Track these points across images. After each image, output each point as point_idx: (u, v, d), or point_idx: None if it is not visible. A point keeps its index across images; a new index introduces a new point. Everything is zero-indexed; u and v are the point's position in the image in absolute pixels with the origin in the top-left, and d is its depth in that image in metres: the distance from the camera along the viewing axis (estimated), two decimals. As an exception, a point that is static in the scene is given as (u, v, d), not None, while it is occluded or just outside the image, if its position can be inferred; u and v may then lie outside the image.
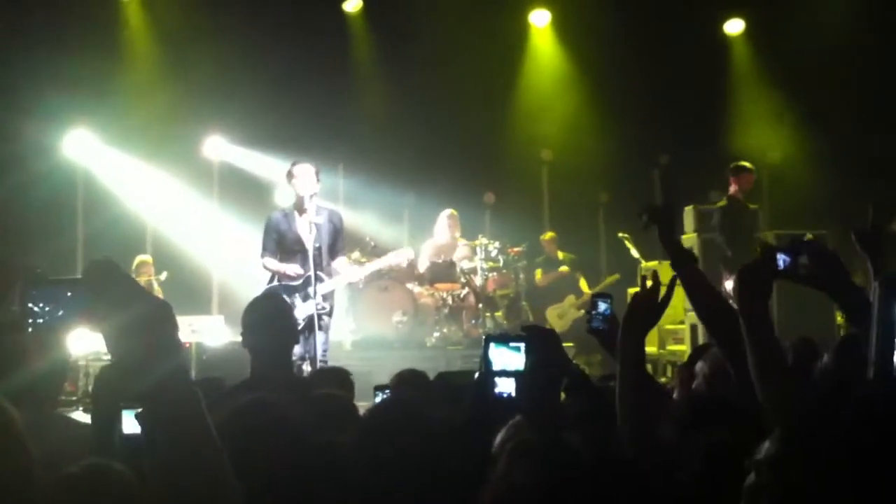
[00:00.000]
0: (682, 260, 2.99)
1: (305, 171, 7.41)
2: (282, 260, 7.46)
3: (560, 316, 11.39)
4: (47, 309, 1.63)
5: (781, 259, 2.49)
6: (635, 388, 2.58)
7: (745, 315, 2.41)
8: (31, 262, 8.63)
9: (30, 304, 1.63)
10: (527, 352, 2.49)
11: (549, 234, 11.99)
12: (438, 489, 1.91)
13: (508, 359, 2.53)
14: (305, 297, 7.28)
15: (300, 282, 7.34)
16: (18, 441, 1.96)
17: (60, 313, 1.62)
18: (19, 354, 2.99)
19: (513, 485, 1.60)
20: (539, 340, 2.50)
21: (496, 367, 2.54)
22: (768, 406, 2.29)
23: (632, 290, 11.16)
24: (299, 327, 7.05)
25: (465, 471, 2.00)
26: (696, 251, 9.97)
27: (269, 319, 4.22)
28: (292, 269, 7.34)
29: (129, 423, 2.60)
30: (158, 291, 10.74)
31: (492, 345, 2.57)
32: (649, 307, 2.75)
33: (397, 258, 8.28)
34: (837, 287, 2.64)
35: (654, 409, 2.60)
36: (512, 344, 2.55)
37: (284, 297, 7.13)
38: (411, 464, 1.99)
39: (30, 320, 1.64)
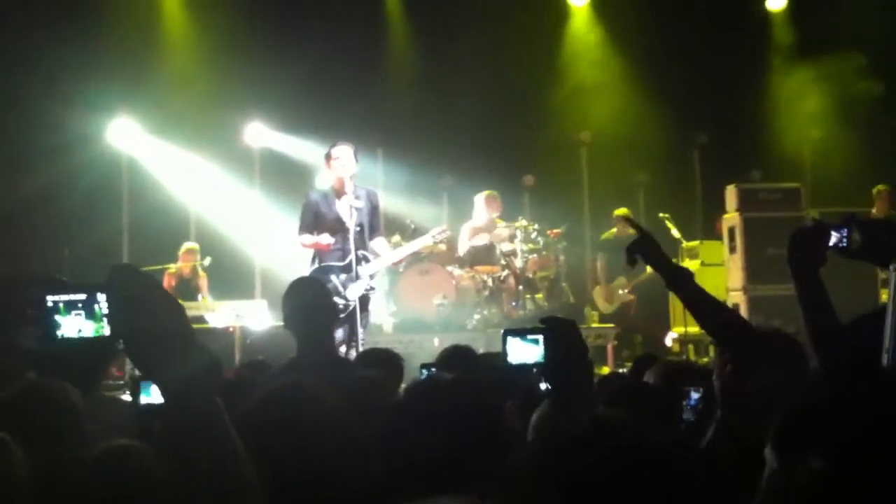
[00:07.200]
0: (677, 280, 2.92)
1: (345, 152, 7.43)
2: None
3: (607, 298, 11.29)
4: (71, 317, 1.51)
5: (835, 236, 2.44)
6: None
7: (797, 279, 2.42)
8: (39, 269, 8.72)
9: (53, 316, 1.51)
10: (546, 343, 2.51)
11: (621, 210, 11.28)
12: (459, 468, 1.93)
13: (526, 352, 2.56)
14: (354, 278, 7.29)
15: (345, 262, 7.30)
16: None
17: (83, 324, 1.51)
18: None
19: (537, 466, 1.63)
20: (560, 331, 2.51)
21: (513, 360, 2.58)
22: (824, 371, 2.30)
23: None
24: (351, 308, 7.15)
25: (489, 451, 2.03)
26: (738, 230, 9.98)
27: (308, 305, 4.35)
28: (324, 238, 7.28)
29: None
30: (203, 277, 10.91)
31: (509, 338, 2.61)
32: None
33: (433, 236, 8.29)
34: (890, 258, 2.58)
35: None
36: (529, 337, 2.58)
37: (332, 277, 7.21)
38: (435, 448, 2.01)
39: (53, 333, 1.52)
